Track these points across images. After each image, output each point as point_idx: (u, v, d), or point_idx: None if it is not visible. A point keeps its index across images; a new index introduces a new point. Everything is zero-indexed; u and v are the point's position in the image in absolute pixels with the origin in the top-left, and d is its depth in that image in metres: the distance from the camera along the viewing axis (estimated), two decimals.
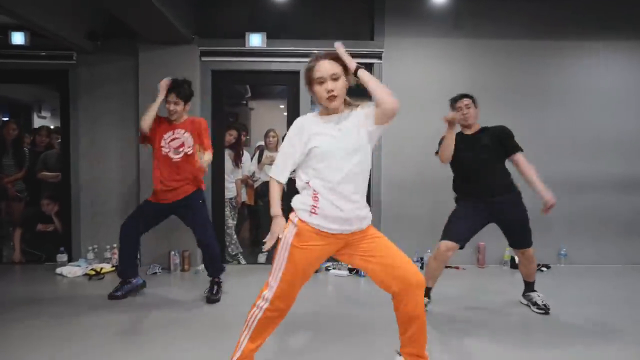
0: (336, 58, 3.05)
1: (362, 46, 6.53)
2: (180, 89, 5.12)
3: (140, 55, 6.35)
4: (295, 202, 3.09)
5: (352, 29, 6.68)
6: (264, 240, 3.09)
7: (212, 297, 5.10)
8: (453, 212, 4.77)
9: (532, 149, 6.41)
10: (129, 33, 6.11)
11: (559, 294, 5.32)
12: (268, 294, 3.07)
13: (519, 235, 4.73)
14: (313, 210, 2.98)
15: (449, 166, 4.83)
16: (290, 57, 6.48)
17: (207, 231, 5.22)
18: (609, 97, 6.67)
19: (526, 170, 4.65)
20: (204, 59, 6.48)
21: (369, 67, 6.57)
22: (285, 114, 10.83)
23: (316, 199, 2.99)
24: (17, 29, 6.25)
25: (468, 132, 4.80)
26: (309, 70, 3.06)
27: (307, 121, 3.10)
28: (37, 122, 9.88)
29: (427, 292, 4.72)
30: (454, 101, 4.86)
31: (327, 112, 3.09)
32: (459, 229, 4.60)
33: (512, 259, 6.45)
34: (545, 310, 4.70)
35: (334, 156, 2.98)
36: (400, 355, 3.24)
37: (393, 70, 6.56)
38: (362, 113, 3.12)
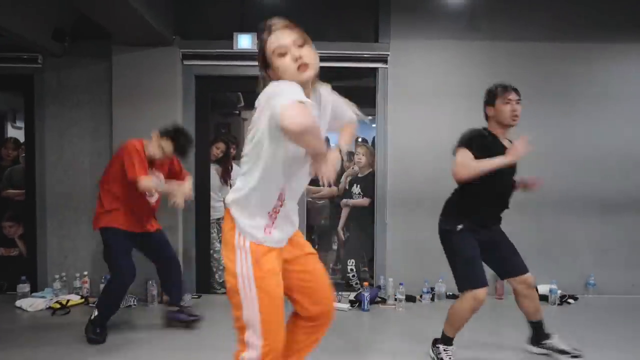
0: (293, 26, 2.42)
1: (365, 49, 5.88)
2: (185, 147, 4.72)
3: (113, 59, 5.69)
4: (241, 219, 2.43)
5: (354, 29, 6.05)
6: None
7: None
8: (465, 249, 3.85)
9: (556, 164, 5.86)
10: (101, 33, 5.44)
11: (586, 329, 4.72)
12: (252, 354, 2.39)
13: (517, 257, 4.00)
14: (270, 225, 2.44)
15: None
16: None
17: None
18: None
19: None
20: (186, 62, 5.82)
21: (373, 72, 5.93)
22: None
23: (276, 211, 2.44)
24: None
25: (505, 140, 3.92)
26: (261, 44, 2.46)
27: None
28: (12, 133, 9.17)
29: (450, 341, 4.00)
30: (502, 90, 3.88)
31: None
32: (482, 271, 3.83)
33: (535, 289, 5.74)
34: (578, 354, 3.99)
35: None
36: None
37: (400, 75, 5.91)
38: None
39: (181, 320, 4.80)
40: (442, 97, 5.82)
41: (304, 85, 2.31)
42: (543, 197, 5.73)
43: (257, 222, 2.39)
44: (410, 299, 5.67)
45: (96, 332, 4.43)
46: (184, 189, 4.60)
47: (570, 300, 5.70)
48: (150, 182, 4.43)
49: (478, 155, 3.68)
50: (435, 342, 4.05)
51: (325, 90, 2.61)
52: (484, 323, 4.73)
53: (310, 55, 2.34)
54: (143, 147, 4.60)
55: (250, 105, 9.39)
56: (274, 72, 2.39)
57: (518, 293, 4.02)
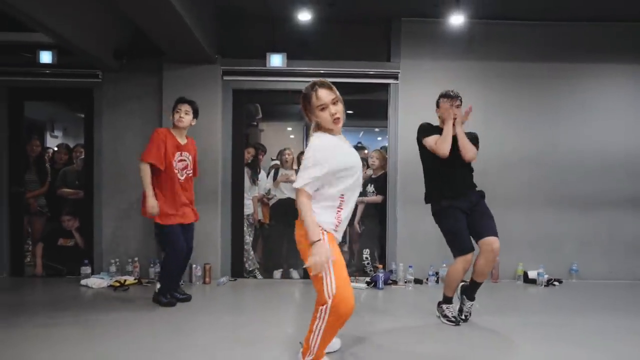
0: (330, 87, 3.39)
1: (379, 67, 6.77)
2: (193, 102, 5.51)
3: (164, 74, 6.54)
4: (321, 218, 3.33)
5: (370, 50, 6.91)
6: (305, 266, 3.21)
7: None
8: (452, 223, 4.69)
9: (543, 168, 6.70)
10: (154, 52, 6.30)
11: (568, 306, 5.52)
12: (329, 303, 3.19)
13: (488, 222, 4.64)
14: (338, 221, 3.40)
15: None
16: (309, 77, 6.44)
17: None
18: (618, 118, 6.88)
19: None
20: (225, 78, 6.67)
21: (385, 87, 6.81)
22: (292, 136, 11.18)
23: (340, 210, 3.38)
24: (45, 48, 6.44)
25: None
26: (308, 98, 3.38)
27: (329, 140, 3.34)
28: (50, 141, 10.01)
29: (450, 300, 4.86)
30: (449, 97, 4.86)
31: (332, 133, 3.39)
32: (469, 238, 4.66)
33: (525, 274, 6.62)
34: (453, 321, 4.74)
35: (356, 171, 3.40)
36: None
37: (409, 90, 6.77)
38: None
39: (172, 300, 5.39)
40: None
41: (336, 130, 3.37)
42: (532, 196, 6.67)
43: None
44: (417, 281, 6.52)
45: (167, 298, 5.33)
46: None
47: (556, 283, 6.53)
48: (146, 171, 5.27)
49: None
50: (439, 304, 4.92)
51: None
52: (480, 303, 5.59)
53: (341, 110, 3.35)
54: (169, 132, 5.42)
55: (266, 118, 10.25)
56: (315, 118, 3.37)
57: (480, 251, 4.60)
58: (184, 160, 5.47)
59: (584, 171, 6.86)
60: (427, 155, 4.84)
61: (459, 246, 4.65)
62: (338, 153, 3.30)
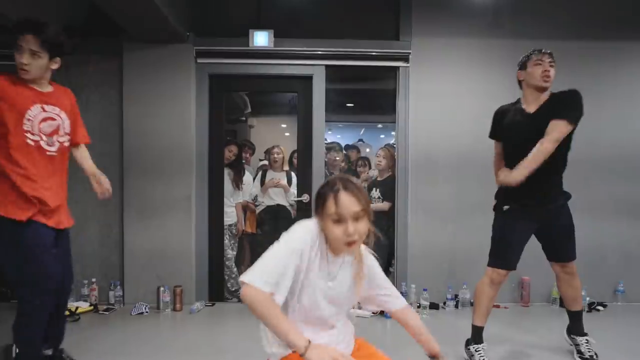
0: (358, 193, 2.19)
1: (386, 47, 5.66)
2: (43, 29, 3.28)
3: (124, 56, 5.48)
4: None
5: (374, 26, 5.81)
6: None
7: None
8: (502, 230, 3.90)
9: (581, 167, 5.58)
10: (112, 30, 5.25)
11: (613, 338, 4.46)
12: None
13: (566, 244, 3.92)
14: None
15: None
16: (301, 60, 5.64)
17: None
18: None
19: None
20: (199, 60, 5.59)
21: (393, 72, 5.72)
22: (288, 134, 10.16)
23: None
24: None
25: (530, 106, 3.80)
26: (322, 198, 2.20)
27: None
28: None
29: (480, 336, 3.93)
30: (536, 53, 3.83)
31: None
32: (513, 254, 3.85)
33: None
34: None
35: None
36: None
37: (421, 74, 5.70)
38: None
39: None
40: (464, 97, 5.61)
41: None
42: (570, 202, 5.57)
43: None
44: (433, 306, 5.44)
45: None
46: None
47: (600, 308, 5.48)
48: None
49: (501, 139, 3.97)
50: (467, 343, 3.98)
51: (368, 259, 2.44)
52: (506, 328, 4.63)
53: (362, 231, 2.17)
54: (14, 76, 3.30)
55: (256, 113, 9.25)
56: (324, 227, 2.21)
57: (557, 277, 4.03)
58: (52, 118, 3.38)
59: (631, 171, 5.80)
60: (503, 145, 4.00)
61: (497, 257, 3.88)
62: None
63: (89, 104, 5.56)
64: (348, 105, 9.19)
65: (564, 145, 3.68)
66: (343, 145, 7.51)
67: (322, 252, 2.23)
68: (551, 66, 3.74)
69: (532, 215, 3.80)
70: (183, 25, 5.29)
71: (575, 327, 4.08)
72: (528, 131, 3.65)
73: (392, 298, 2.54)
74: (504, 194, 3.89)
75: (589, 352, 3.91)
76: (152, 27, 5.04)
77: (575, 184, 5.50)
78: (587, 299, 5.44)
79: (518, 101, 3.92)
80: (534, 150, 3.54)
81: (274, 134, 10.02)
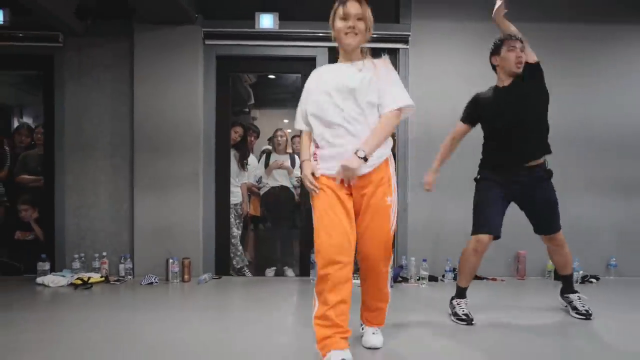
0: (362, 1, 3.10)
1: (385, 29, 5.78)
2: None
3: (135, 37, 5.64)
4: None
5: (375, 9, 5.69)
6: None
7: None
8: (477, 195, 4.20)
9: (577, 146, 5.81)
10: (124, 12, 5.48)
11: (606, 307, 4.53)
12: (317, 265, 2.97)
13: (550, 217, 4.15)
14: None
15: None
16: (305, 42, 5.80)
17: None
18: None
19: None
20: (207, 42, 5.76)
21: (393, 53, 5.88)
22: (287, 121, 10.33)
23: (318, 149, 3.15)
24: None
25: (504, 83, 4.10)
26: (334, 10, 3.11)
27: (316, 74, 3.31)
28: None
29: (463, 293, 4.20)
30: (506, 38, 4.13)
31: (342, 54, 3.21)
32: (496, 220, 4.03)
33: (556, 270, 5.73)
34: (586, 316, 4.10)
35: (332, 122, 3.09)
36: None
37: (421, 57, 5.87)
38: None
39: None
40: (462, 78, 5.74)
41: (347, 50, 3.11)
42: (564, 180, 5.68)
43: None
44: (432, 278, 5.61)
45: None
46: None
47: (592, 280, 5.66)
48: None
49: (477, 117, 4.26)
50: (451, 299, 4.25)
51: (380, 62, 3.18)
52: (502, 301, 4.79)
53: (361, 29, 3.06)
54: None
55: (259, 105, 9.40)
56: (335, 33, 3.11)
57: (548, 248, 4.32)
58: None
59: (625, 150, 5.95)
60: (484, 128, 4.29)
61: (477, 222, 4.09)
62: (313, 93, 3.15)
63: (100, 83, 5.76)
64: None
65: (542, 105, 4.04)
66: None
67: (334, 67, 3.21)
68: (522, 50, 4.01)
69: (507, 182, 4.03)
70: (192, 7, 5.47)
71: (567, 287, 4.34)
72: (509, 101, 3.98)
73: (381, 108, 3.08)
74: (483, 161, 4.24)
75: (583, 307, 4.14)
76: (162, 8, 5.22)
77: (570, 163, 5.76)
78: (581, 271, 5.63)
79: (492, 87, 4.22)
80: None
81: (276, 125, 10.20)
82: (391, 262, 3.34)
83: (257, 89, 8.71)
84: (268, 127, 9.51)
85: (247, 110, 9.59)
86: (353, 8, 3.00)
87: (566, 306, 4.35)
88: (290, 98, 8.93)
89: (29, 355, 3.25)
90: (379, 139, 2.98)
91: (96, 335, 3.64)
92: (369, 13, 3.08)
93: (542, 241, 4.25)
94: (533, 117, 4.01)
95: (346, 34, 3.02)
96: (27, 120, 9.53)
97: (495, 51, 4.14)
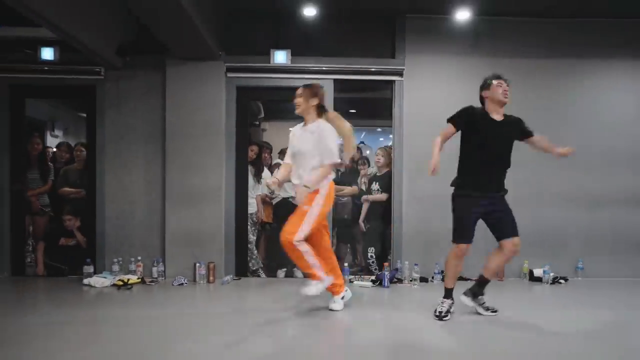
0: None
1: (384, 64, 6.73)
2: None
3: (167, 71, 6.51)
4: None
5: (374, 47, 6.88)
6: None
7: None
8: (460, 211, 4.79)
9: (549, 166, 6.66)
10: (157, 49, 6.28)
11: (573, 305, 5.44)
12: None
13: (512, 221, 4.75)
14: None
15: None
16: (314, 74, 6.65)
17: None
18: (626, 115, 6.91)
19: (542, 141, 5.01)
20: (229, 74, 6.63)
21: (390, 84, 6.81)
22: None
23: None
24: (47, 44, 6.39)
25: (496, 116, 4.76)
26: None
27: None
28: (50, 141, 9.94)
29: (449, 294, 4.89)
30: (496, 77, 4.81)
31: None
32: (471, 231, 4.75)
33: (531, 272, 6.61)
34: (493, 311, 4.92)
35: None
36: None
37: (414, 87, 6.77)
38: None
39: None
40: (449, 105, 6.46)
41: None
42: (538, 193, 6.62)
43: None
44: (423, 279, 6.48)
45: None
46: None
47: (561, 281, 6.52)
48: None
49: (466, 127, 4.78)
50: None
51: (319, 125, 4.98)
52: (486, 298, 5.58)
53: (299, 102, 5.08)
54: None
55: (268, 118, 10.21)
56: None
57: (503, 252, 4.79)
58: None
59: (591, 168, 6.85)
60: (466, 141, 4.86)
61: (459, 233, 4.77)
62: (290, 147, 5.23)
63: (136, 110, 6.63)
64: (351, 111, 10.16)
65: (511, 149, 4.80)
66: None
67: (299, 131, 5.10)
68: (508, 86, 4.76)
69: (481, 200, 4.68)
70: (217, 46, 6.34)
71: (479, 290, 4.97)
72: (498, 133, 4.71)
73: (320, 160, 4.85)
74: (468, 182, 4.77)
75: (488, 307, 4.94)
76: (191, 46, 6.08)
77: (545, 180, 6.62)
78: (552, 273, 6.50)
79: (483, 110, 4.83)
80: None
81: (284, 136, 10.96)
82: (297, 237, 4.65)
83: (266, 103, 9.45)
84: (277, 138, 10.29)
85: (257, 123, 10.34)
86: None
87: (473, 306, 4.97)
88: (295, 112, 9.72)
89: (95, 345, 4.13)
90: (316, 179, 4.76)
91: (142, 329, 4.52)
92: (304, 92, 5.04)
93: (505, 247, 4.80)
94: (510, 155, 4.78)
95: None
96: (58, 132, 10.41)
97: (485, 86, 4.81)
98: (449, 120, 4.87)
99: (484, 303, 4.95)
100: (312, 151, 4.83)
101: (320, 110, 5.05)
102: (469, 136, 4.80)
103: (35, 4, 4.50)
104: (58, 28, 5.04)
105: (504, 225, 4.75)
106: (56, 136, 10.39)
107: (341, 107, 7.44)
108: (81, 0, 5.20)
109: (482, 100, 4.87)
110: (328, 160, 4.79)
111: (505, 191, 4.84)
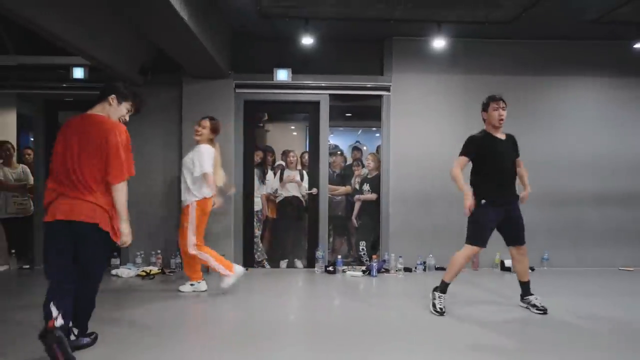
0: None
1: (373, 80, 7.63)
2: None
3: (184, 88, 7.37)
4: None
5: (365, 65, 7.76)
6: None
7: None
8: (482, 216, 5.09)
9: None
10: (174, 68, 7.10)
11: (540, 292, 6.09)
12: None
13: (521, 231, 5.27)
14: None
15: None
16: (311, 90, 7.57)
17: None
18: (585, 125, 7.79)
19: (523, 171, 5.48)
20: (238, 90, 7.49)
21: (378, 99, 7.70)
22: (295, 133, 12.00)
23: None
24: (78, 65, 7.28)
25: (499, 135, 5.19)
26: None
27: None
28: None
29: (445, 289, 5.26)
30: (492, 99, 5.19)
31: None
32: (487, 237, 5.14)
33: (502, 262, 7.53)
34: (543, 310, 5.20)
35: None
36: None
37: (399, 101, 7.63)
38: None
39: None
40: (431, 117, 7.56)
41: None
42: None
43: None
44: (407, 269, 7.39)
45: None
46: None
47: (529, 271, 7.35)
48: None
49: (476, 154, 5.13)
50: (435, 289, 5.30)
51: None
52: (464, 288, 6.44)
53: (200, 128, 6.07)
54: None
55: (271, 120, 11.05)
56: None
57: (513, 257, 5.40)
58: None
59: (555, 171, 7.73)
60: (480, 162, 5.19)
61: (476, 237, 5.13)
62: None
63: (156, 122, 7.49)
64: (347, 114, 11.01)
65: (515, 162, 5.32)
66: (350, 146, 9.62)
67: None
68: (503, 109, 5.15)
69: (500, 208, 5.09)
70: (227, 65, 7.22)
71: (526, 291, 5.40)
72: (505, 148, 5.19)
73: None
74: (483, 192, 5.09)
75: (540, 304, 5.24)
76: (204, 67, 6.93)
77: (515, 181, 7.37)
78: None
79: (483, 131, 5.23)
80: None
81: (286, 136, 11.93)
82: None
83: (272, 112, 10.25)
84: (279, 138, 11.07)
85: (261, 124, 11.13)
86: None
87: (526, 307, 5.33)
88: (296, 115, 10.73)
89: (129, 328, 5.05)
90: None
91: (166, 313, 5.46)
92: (211, 125, 6.05)
93: (494, 241, 5.35)
94: (515, 167, 5.28)
95: None
96: None
97: (484, 108, 5.24)
98: (461, 154, 5.18)
99: (531, 301, 5.35)
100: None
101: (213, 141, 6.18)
102: (482, 158, 5.16)
103: (69, 36, 5.27)
104: (92, 57, 5.92)
105: (513, 232, 5.30)
106: None
107: (337, 110, 8.30)
108: (108, 30, 5.99)
109: (483, 119, 5.33)
110: (199, 172, 5.91)
111: (517, 197, 5.31)
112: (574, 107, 7.81)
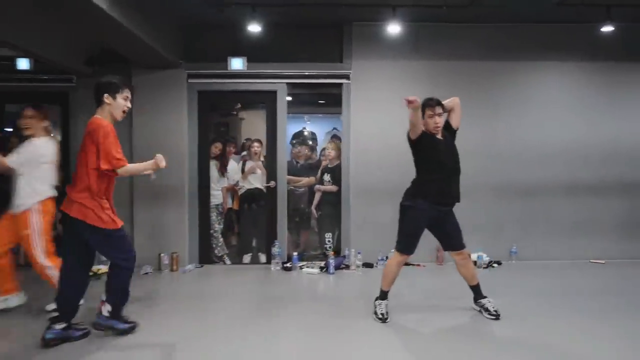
0: None
1: (332, 68, 7.34)
2: None
3: (133, 79, 7.09)
4: None
5: (323, 52, 7.45)
6: None
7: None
8: (410, 221, 4.95)
9: (485, 158, 7.26)
10: (124, 59, 6.82)
11: (506, 286, 6.08)
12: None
13: (458, 237, 5.05)
14: None
15: (410, 174, 5.12)
16: (268, 79, 7.30)
17: None
18: (554, 111, 7.49)
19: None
20: (190, 80, 7.23)
21: (338, 86, 7.40)
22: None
23: None
24: (23, 55, 6.98)
25: (439, 136, 4.92)
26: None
27: None
28: None
29: (385, 295, 5.07)
30: (428, 105, 4.92)
31: None
32: (415, 243, 4.96)
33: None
34: (496, 316, 4.93)
35: None
36: None
37: (360, 89, 7.35)
38: None
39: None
40: (392, 105, 7.13)
41: None
42: (475, 184, 7.15)
43: None
44: (368, 265, 7.15)
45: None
46: None
47: (495, 265, 7.18)
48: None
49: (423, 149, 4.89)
50: (375, 299, 5.11)
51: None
52: (427, 283, 6.22)
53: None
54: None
55: (246, 107, 10.75)
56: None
57: (456, 263, 5.12)
58: None
59: (523, 160, 7.46)
60: (421, 155, 4.98)
61: (405, 245, 4.98)
62: None
63: None
64: (320, 102, 10.70)
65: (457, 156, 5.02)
66: (327, 133, 9.32)
67: None
68: (439, 115, 4.86)
69: (432, 212, 4.84)
70: (176, 55, 6.93)
71: (477, 295, 5.15)
72: (446, 151, 4.92)
73: None
74: (416, 193, 4.94)
75: (493, 308, 4.97)
76: (151, 58, 6.67)
77: (481, 171, 7.20)
78: (487, 258, 7.17)
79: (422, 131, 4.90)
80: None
81: (260, 124, 11.46)
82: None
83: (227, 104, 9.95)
84: (254, 124, 10.77)
85: (234, 112, 10.87)
86: None
87: (479, 310, 5.09)
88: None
89: None
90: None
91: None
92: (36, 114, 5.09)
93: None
94: (459, 166, 4.99)
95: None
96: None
97: (422, 114, 4.90)
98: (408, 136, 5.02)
99: (484, 305, 5.09)
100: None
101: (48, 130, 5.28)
102: (424, 157, 4.98)
103: (10, 37, 5.16)
104: (29, 52, 5.70)
105: (448, 238, 5.10)
106: None
107: (310, 98, 8.02)
108: (48, 25, 5.79)
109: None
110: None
111: (458, 200, 5.04)
112: (542, 92, 7.51)
